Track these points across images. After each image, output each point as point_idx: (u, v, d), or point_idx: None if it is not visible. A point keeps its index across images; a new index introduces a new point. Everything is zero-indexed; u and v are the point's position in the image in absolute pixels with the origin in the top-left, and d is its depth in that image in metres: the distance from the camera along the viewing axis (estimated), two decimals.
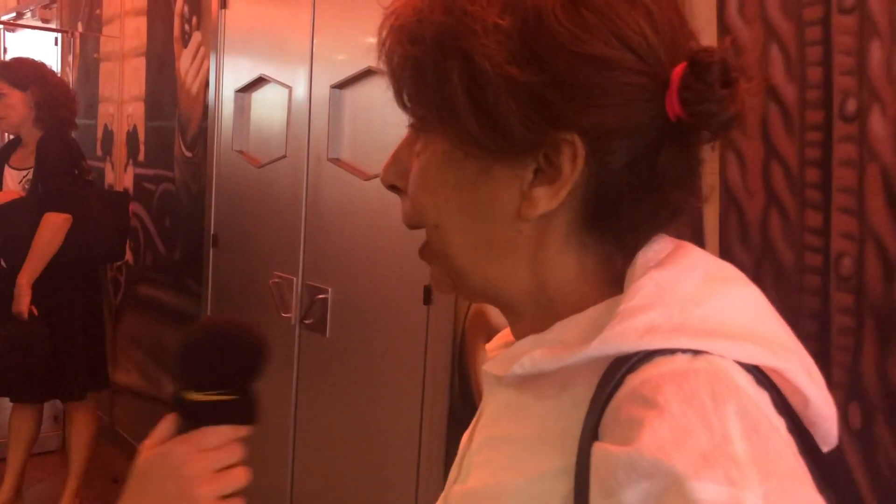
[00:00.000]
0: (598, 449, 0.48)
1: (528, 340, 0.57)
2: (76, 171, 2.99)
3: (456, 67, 0.53)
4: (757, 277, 1.31)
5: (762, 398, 0.49)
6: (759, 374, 0.51)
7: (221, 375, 0.67)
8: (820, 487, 0.47)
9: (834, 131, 1.20)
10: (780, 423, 0.49)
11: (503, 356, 0.59)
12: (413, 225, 0.61)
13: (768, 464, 0.45)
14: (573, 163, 0.53)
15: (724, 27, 1.32)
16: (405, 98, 0.58)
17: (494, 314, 1.79)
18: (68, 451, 3.17)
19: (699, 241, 1.35)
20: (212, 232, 3.08)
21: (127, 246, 3.43)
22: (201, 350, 0.68)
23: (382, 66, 0.59)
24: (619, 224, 0.55)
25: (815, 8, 1.22)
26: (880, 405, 1.14)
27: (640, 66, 0.52)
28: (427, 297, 2.00)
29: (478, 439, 0.62)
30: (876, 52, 1.15)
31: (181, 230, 3.33)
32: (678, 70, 0.51)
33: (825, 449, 0.56)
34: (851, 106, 1.18)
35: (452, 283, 0.61)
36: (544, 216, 0.55)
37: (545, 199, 0.54)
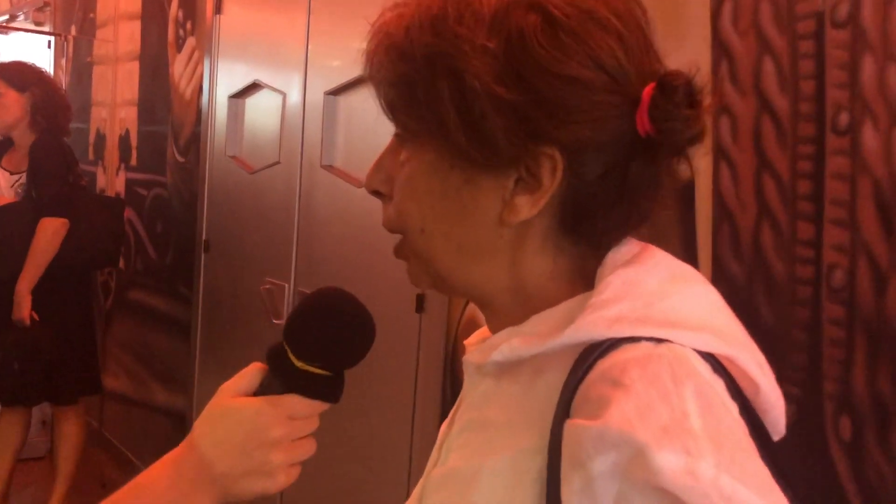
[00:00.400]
0: (569, 425, 0.53)
1: (506, 332, 0.62)
2: (70, 177, 2.98)
3: (447, 85, 0.57)
4: (749, 289, 1.32)
5: (717, 383, 0.55)
6: (715, 363, 0.56)
7: (331, 354, 0.67)
8: (770, 470, 0.52)
9: (826, 144, 1.20)
10: (732, 407, 0.55)
11: (482, 346, 0.64)
12: (394, 229, 0.65)
13: (720, 438, 0.50)
14: (553, 174, 0.57)
15: (717, 40, 1.33)
16: (394, 112, 0.62)
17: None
18: (56, 455, 3.15)
19: (691, 252, 1.35)
20: (203, 237, 3.07)
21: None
22: (326, 324, 0.67)
23: (367, 77, 0.63)
24: (592, 229, 0.60)
25: (808, 21, 1.23)
26: (871, 417, 1.15)
27: (612, 86, 0.56)
28: (419, 305, 2.00)
29: (457, 425, 0.66)
30: (868, 66, 1.15)
31: (173, 235, 3.32)
32: (648, 90, 0.56)
33: (775, 438, 0.60)
34: (844, 119, 1.18)
35: (431, 280, 0.65)
36: (524, 222, 0.59)
37: (526, 207, 0.59)
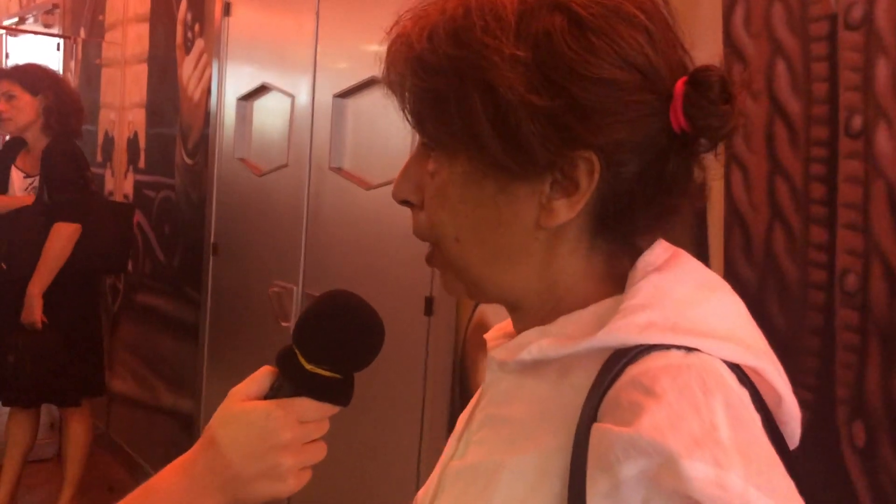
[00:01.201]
0: (598, 429, 0.53)
1: (535, 331, 0.61)
2: (82, 182, 3.00)
3: (479, 98, 0.56)
4: (761, 293, 1.31)
5: (743, 394, 0.55)
6: (741, 373, 0.56)
7: (341, 357, 0.67)
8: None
9: (840, 147, 1.19)
10: (756, 418, 0.55)
11: (510, 344, 0.63)
12: (427, 238, 0.65)
13: (749, 450, 0.50)
14: (590, 177, 0.57)
15: (730, 42, 1.32)
16: (423, 126, 0.61)
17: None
18: (63, 458, 3.16)
19: (703, 256, 1.35)
20: (212, 240, 3.07)
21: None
22: (336, 327, 0.67)
23: (386, 85, 0.62)
24: (628, 227, 0.60)
25: (821, 24, 1.22)
26: (885, 423, 1.14)
27: (644, 84, 0.56)
28: (428, 307, 1.99)
29: (478, 418, 0.66)
30: (882, 69, 1.14)
31: (181, 238, 3.32)
32: (679, 85, 0.56)
33: (791, 447, 0.61)
34: (857, 122, 1.17)
35: (467, 289, 0.65)
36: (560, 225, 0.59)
37: (564, 210, 0.58)
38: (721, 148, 0.59)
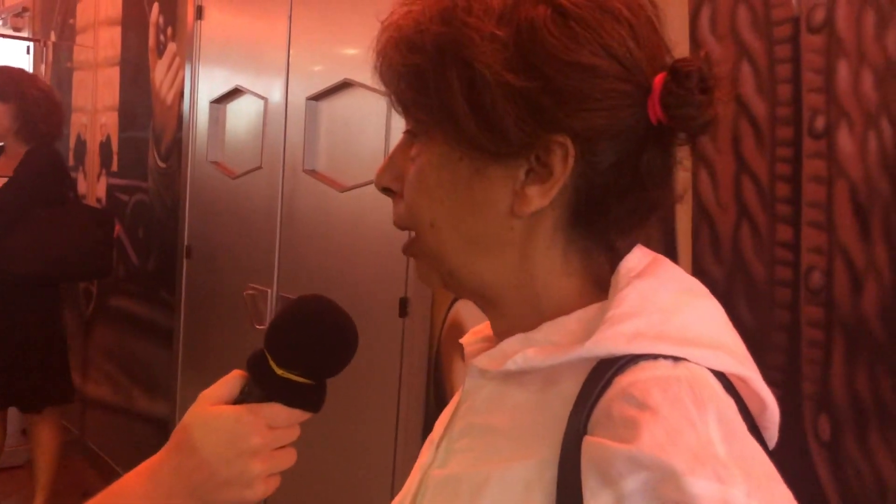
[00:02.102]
0: (593, 443, 0.52)
1: (518, 339, 0.61)
2: (60, 189, 2.95)
3: (456, 74, 0.57)
4: (728, 291, 1.33)
5: (731, 404, 0.54)
6: (726, 381, 0.56)
7: (313, 362, 0.66)
8: None
9: (803, 147, 1.22)
10: (745, 427, 0.54)
11: (493, 353, 0.62)
12: (405, 226, 0.64)
13: (746, 464, 0.50)
14: (564, 163, 0.57)
15: (696, 44, 1.34)
16: (404, 104, 0.61)
17: (471, 327, 1.79)
18: (33, 464, 3.12)
19: (672, 255, 1.37)
20: (185, 243, 3.06)
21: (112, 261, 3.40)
22: (308, 332, 0.66)
23: (378, 76, 0.62)
24: (603, 219, 0.60)
25: (784, 26, 1.24)
26: (849, 417, 1.16)
27: (624, 74, 0.56)
28: (403, 309, 2.00)
29: (459, 426, 0.65)
30: (843, 71, 1.17)
31: (155, 241, 3.30)
32: (659, 77, 0.56)
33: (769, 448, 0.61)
34: (820, 123, 1.20)
35: (442, 279, 0.64)
36: (535, 213, 0.59)
37: (537, 197, 0.58)
38: (693, 144, 0.59)
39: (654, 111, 0.56)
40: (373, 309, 2.07)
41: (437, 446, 0.67)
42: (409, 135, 0.63)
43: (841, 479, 1.17)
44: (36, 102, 2.99)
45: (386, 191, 0.65)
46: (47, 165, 2.95)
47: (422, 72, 0.58)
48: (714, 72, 0.55)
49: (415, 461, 0.70)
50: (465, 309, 1.81)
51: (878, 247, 1.13)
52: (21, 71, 3.18)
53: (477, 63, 0.56)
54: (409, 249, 0.65)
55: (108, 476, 3.50)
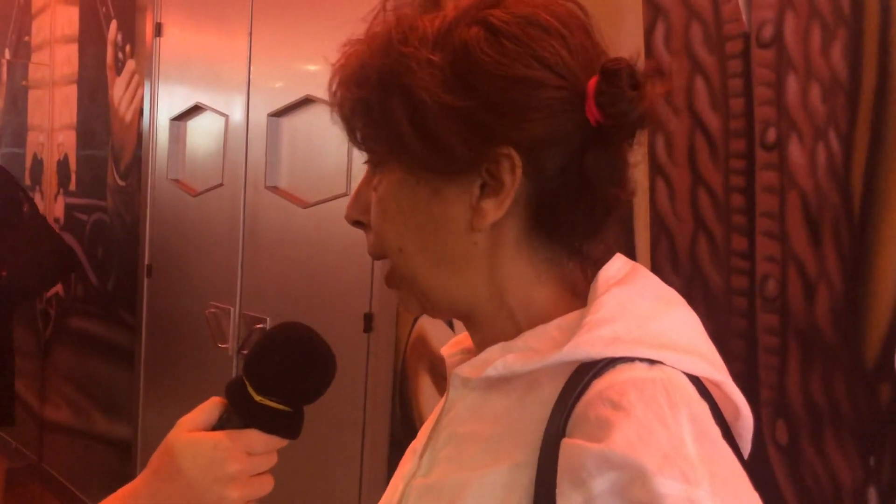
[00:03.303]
0: (568, 445, 0.54)
1: (498, 347, 0.62)
2: (8, 206, 2.92)
3: (398, 101, 0.60)
4: (687, 300, 1.35)
5: (705, 407, 0.56)
6: (700, 386, 0.58)
7: (292, 390, 0.67)
8: None
9: (756, 159, 1.25)
10: (718, 431, 0.56)
11: (475, 361, 0.64)
12: (378, 255, 0.66)
13: (715, 465, 0.52)
14: (512, 173, 0.59)
15: (651, 60, 1.38)
16: (358, 137, 0.64)
17: (435, 341, 1.80)
18: None
19: None
20: (146, 262, 3.02)
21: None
22: (287, 359, 0.67)
23: (336, 116, 0.64)
24: (562, 224, 0.62)
25: (735, 42, 1.28)
26: (805, 421, 1.19)
27: (559, 82, 0.58)
28: (367, 324, 2.00)
29: (442, 436, 0.66)
30: (792, 84, 1.21)
31: (114, 261, 3.26)
32: (592, 81, 0.58)
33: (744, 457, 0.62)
34: (772, 135, 1.23)
35: (420, 303, 0.66)
36: (494, 226, 0.61)
37: (493, 210, 0.60)
38: (641, 140, 0.61)
39: (591, 112, 0.58)
40: (337, 325, 2.07)
41: (421, 455, 0.67)
42: (371, 165, 0.66)
43: (799, 483, 1.20)
44: None
45: (357, 223, 0.68)
46: None
47: (369, 104, 0.61)
48: (642, 68, 0.58)
49: (382, 474, 0.71)
50: (430, 324, 1.82)
51: (828, 254, 1.17)
52: None
53: (416, 89, 0.58)
54: (389, 280, 0.67)
55: (69, 502, 3.43)
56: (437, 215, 0.62)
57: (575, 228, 0.62)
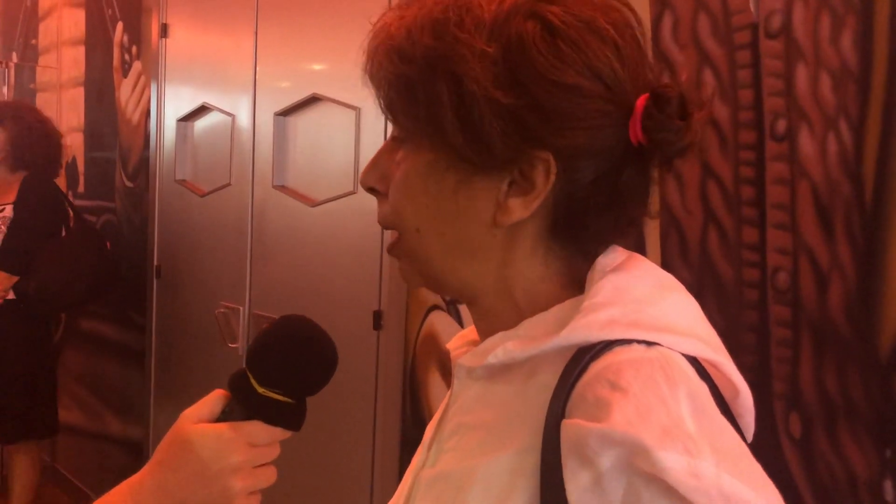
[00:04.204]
0: (569, 425, 0.54)
1: (499, 336, 0.63)
2: (59, 221, 2.96)
3: (446, 87, 0.59)
4: (698, 293, 1.34)
5: (703, 386, 0.56)
6: (699, 367, 0.58)
7: (294, 381, 0.67)
8: None
9: (766, 150, 1.24)
10: (717, 409, 0.56)
11: (476, 350, 0.64)
12: (389, 226, 0.66)
13: (716, 439, 0.52)
14: (546, 178, 0.59)
15: (659, 52, 1.37)
16: (391, 108, 0.63)
17: (445, 337, 1.79)
18: (10, 494, 3.07)
19: None
20: (155, 263, 3.03)
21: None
22: (289, 350, 0.67)
23: (367, 77, 0.63)
24: (582, 233, 0.62)
25: (743, 33, 1.27)
26: (819, 414, 1.18)
27: (608, 95, 0.58)
28: (377, 322, 2.00)
29: (448, 427, 0.67)
30: (801, 74, 1.20)
31: (123, 262, 3.27)
32: (641, 100, 0.57)
33: (748, 440, 0.62)
34: (781, 126, 1.22)
35: (423, 279, 0.66)
36: (516, 224, 0.61)
37: (519, 209, 0.60)
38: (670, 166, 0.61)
39: (635, 133, 0.57)
40: (347, 322, 2.07)
41: (429, 447, 0.68)
42: (396, 140, 0.65)
43: (813, 476, 1.19)
44: (28, 130, 2.96)
45: (371, 190, 0.67)
46: (36, 200, 2.93)
47: (412, 82, 0.60)
48: (694, 98, 0.57)
49: (393, 471, 0.71)
50: (439, 320, 1.82)
51: (840, 246, 1.16)
52: (16, 101, 3.15)
53: (466, 79, 0.57)
54: (394, 250, 0.67)
55: (82, 502, 3.45)
56: (461, 204, 0.61)
57: (595, 237, 0.63)
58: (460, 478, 0.61)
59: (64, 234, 3.05)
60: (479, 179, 0.60)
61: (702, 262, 1.32)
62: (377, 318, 1.99)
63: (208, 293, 2.69)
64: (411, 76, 0.60)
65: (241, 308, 2.52)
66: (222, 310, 2.57)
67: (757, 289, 1.26)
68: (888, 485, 1.12)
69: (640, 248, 1.39)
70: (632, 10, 0.61)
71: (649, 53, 0.62)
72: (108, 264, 3.10)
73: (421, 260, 0.65)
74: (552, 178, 0.58)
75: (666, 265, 1.37)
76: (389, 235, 0.67)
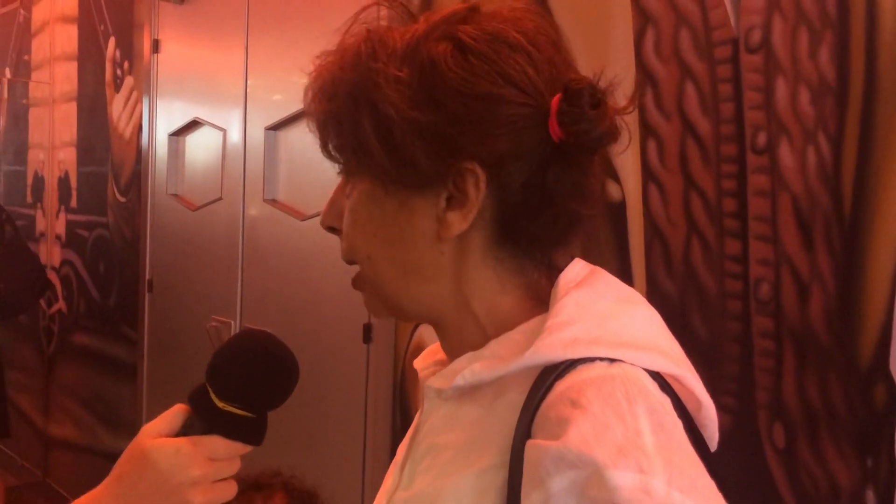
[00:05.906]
0: (531, 445, 0.55)
1: (466, 357, 0.64)
2: None
3: (366, 115, 0.61)
4: (682, 304, 1.36)
5: (665, 401, 0.58)
6: (661, 381, 0.59)
7: (253, 395, 0.68)
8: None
9: (747, 163, 1.26)
10: (678, 423, 0.57)
11: (445, 371, 0.65)
12: (350, 260, 0.68)
13: (671, 454, 0.53)
14: (477, 187, 0.61)
15: (641, 66, 1.38)
16: (330, 149, 0.65)
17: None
18: None
19: (626, 271, 1.40)
20: (147, 277, 3.03)
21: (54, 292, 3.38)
22: (248, 365, 0.68)
23: (310, 126, 0.66)
24: (523, 236, 0.63)
25: (724, 47, 1.29)
26: (802, 424, 1.19)
27: (523, 99, 0.60)
28: (367, 335, 2.00)
29: (421, 448, 0.67)
30: (781, 88, 1.21)
31: (116, 276, 3.27)
32: (556, 98, 0.59)
33: (712, 450, 0.64)
34: (762, 139, 1.24)
35: (385, 307, 0.68)
36: (460, 237, 0.63)
37: (458, 222, 0.62)
38: (609, 152, 0.63)
39: (554, 130, 0.59)
40: (337, 335, 2.08)
41: (402, 469, 0.68)
42: (343, 175, 0.67)
43: (796, 484, 1.20)
44: None
45: (331, 229, 0.69)
46: None
47: (339, 117, 0.63)
48: (604, 87, 0.59)
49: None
50: (429, 332, 1.82)
51: (820, 256, 1.17)
52: None
53: (382, 104, 0.60)
54: (356, 283, 0.69)
55: None
56: (404, 226, 0.63)
57: (537, 240, 0.64)
58: (431, 497, 0.62)
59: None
60: (417, 199, 0.62)
61: (685, 273, 1.33)
62: (367, 331, 2.00)
63: (200, 307, 2.70)
64: (337, 112, 0.63)
65: (232, 321, 2.52)
66: (214, 323, 2.57)
67: (740, 300, 1.27)
68: (870, 494, 1.12)
69: (624, 260, 1.40)
70: (545, 17, 0.64)
71: (571, 55, 0.64)
72: (39, 272, 3.14)
73: (378, 286, 0.66)
74: (482, 186, 0.60)
75: (650, 277, 1.38)
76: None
